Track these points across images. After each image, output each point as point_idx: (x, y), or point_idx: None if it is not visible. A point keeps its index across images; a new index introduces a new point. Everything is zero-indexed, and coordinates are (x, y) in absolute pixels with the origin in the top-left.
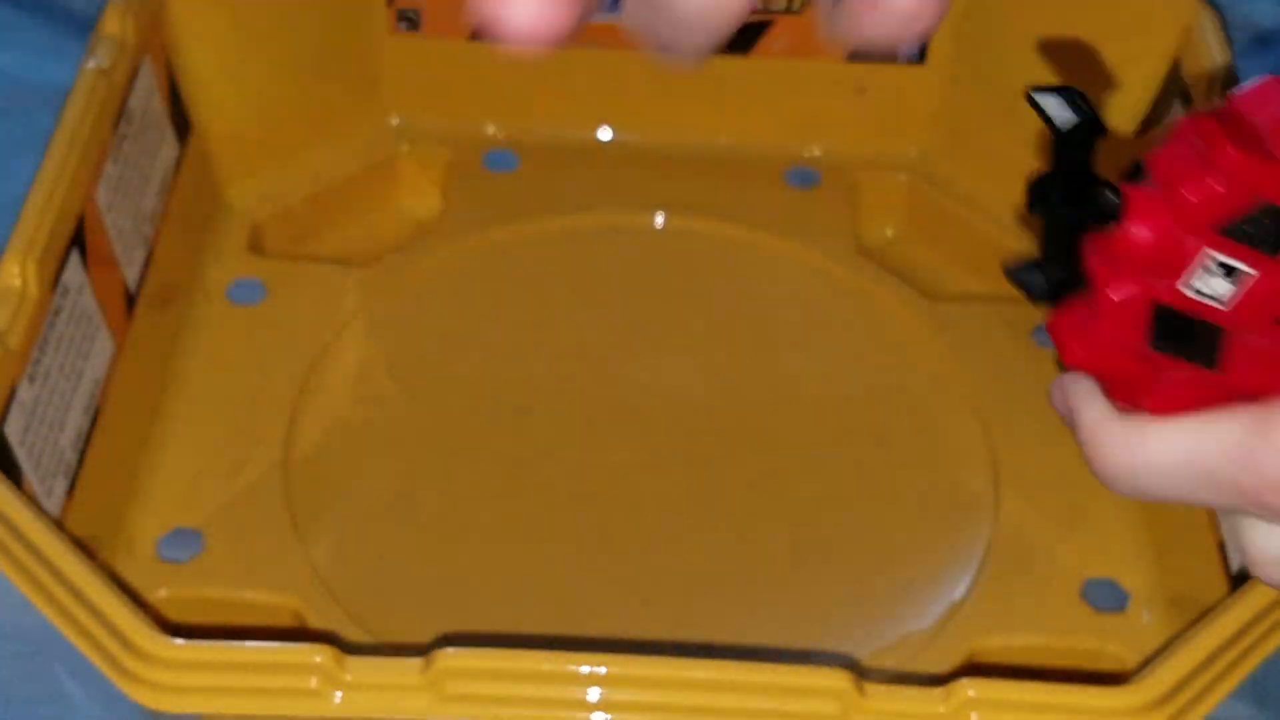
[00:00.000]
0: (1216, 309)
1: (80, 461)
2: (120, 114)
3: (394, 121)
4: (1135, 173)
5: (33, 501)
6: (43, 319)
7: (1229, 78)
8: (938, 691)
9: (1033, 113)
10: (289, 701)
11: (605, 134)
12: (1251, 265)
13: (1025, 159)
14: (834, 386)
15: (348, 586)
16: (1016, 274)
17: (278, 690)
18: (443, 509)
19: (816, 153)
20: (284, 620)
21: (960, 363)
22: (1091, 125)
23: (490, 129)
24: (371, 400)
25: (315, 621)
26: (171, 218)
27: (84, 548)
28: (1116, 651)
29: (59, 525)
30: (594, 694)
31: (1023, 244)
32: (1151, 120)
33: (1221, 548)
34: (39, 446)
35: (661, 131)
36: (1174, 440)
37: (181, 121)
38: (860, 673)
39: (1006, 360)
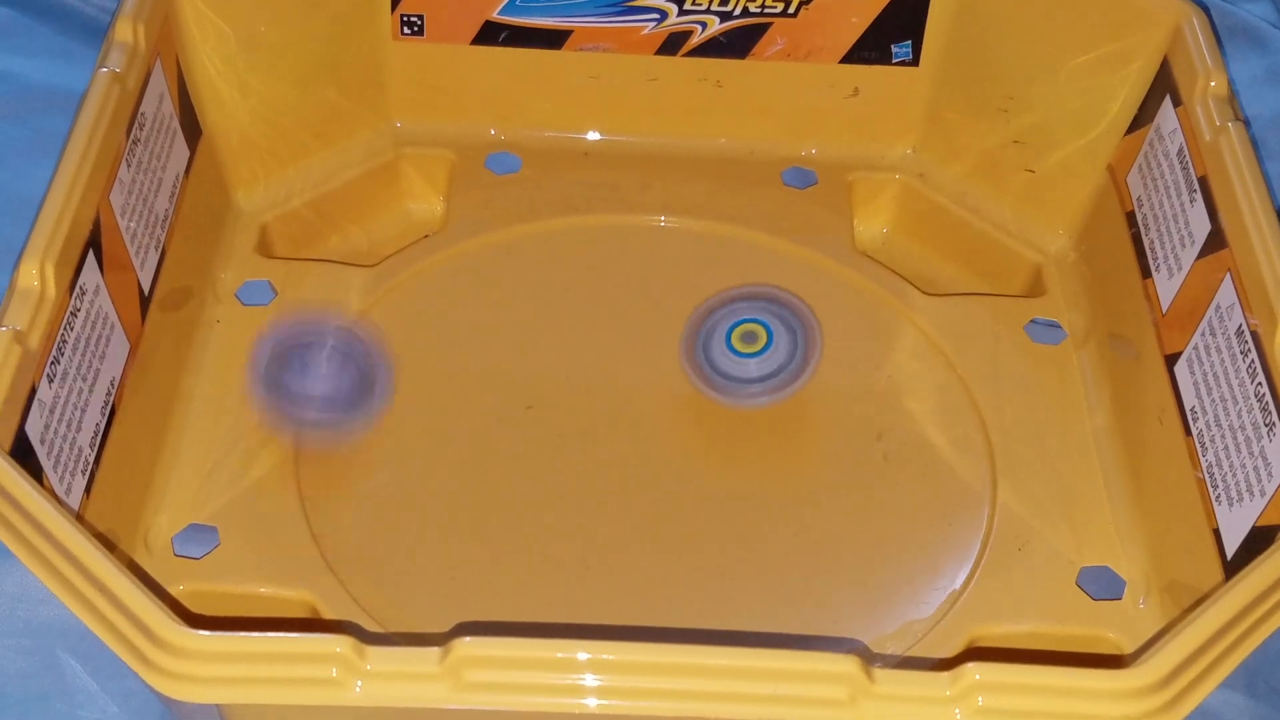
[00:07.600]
0: None
1: (98, 459)
2: (133, 119)
3: (398, 125)
4: None
5: (54, 498)
6: (61, 320)
7: (1219, 78)
8: (945, 676)
9: (1023, 112)
10: (310, 691)
11: (606, 136)
12: None
13: (1015, 157)
14: (833, 382)
15: (359, 579)
16: None
17: (299, 680)
18: (451, 502)
19: (813, 153)
20: (298, 613)
21: (955, 356)
22: None
23: (492, 132)
24: None
25: (329, 613)
26: (182, 221)
27: (103, 543)
28: (1112, 637)
29: (79, 521)
30: (610, 681)
31: (1013, 240)
32: (1141, 120)
33: (1216, 534)
34: (58, 445)
35: (661, 134)
36: None
37: (192, 126)
38: (869, 659)
39: (1000, 353)
